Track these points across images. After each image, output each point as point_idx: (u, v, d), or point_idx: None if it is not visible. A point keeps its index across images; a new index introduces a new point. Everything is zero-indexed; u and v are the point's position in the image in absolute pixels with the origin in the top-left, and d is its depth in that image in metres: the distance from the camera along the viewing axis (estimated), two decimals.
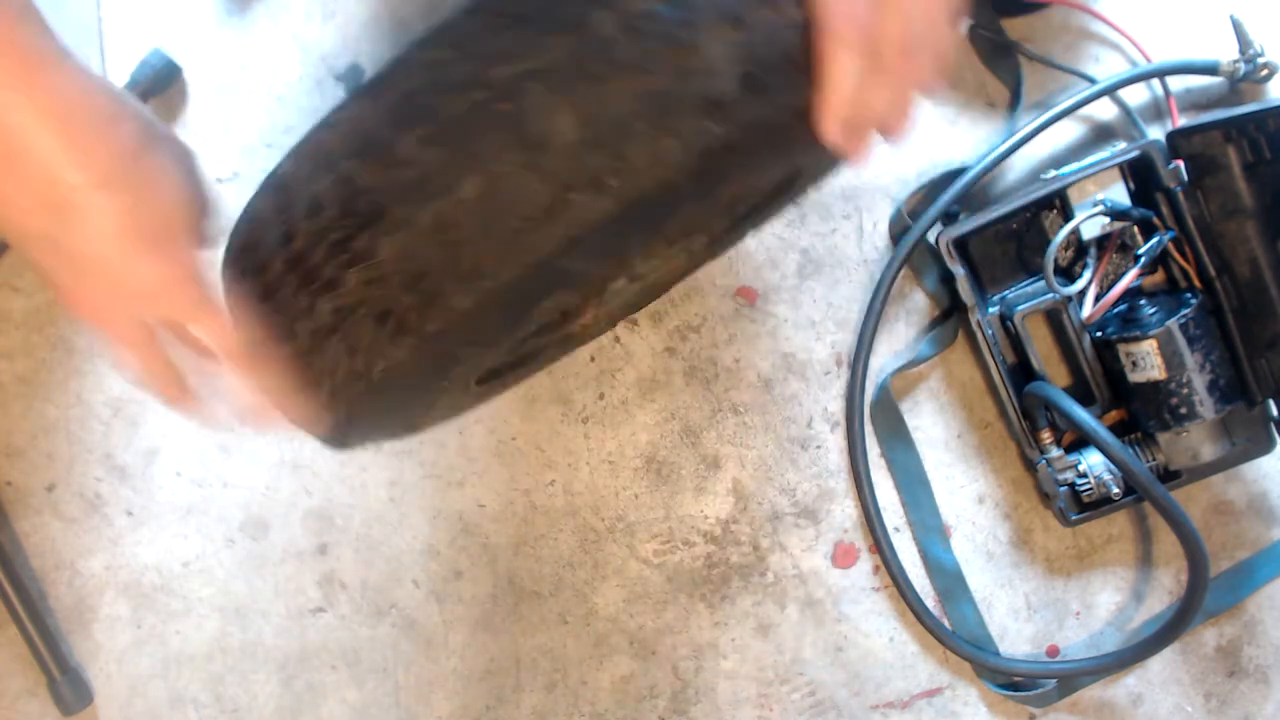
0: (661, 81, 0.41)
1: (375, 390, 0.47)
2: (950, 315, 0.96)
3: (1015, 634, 0.96)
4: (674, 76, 0.41)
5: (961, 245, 0.90)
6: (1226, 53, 0.96)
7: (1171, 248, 0.88)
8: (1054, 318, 0.94)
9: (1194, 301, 0.86)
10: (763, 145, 0.46)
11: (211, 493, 0.91)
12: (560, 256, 0.43)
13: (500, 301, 0.44)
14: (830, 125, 0.47)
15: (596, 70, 0.41)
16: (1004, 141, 0.92)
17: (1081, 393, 0.92)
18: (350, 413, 0.49)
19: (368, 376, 0.46)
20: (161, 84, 0.87)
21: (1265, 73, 0.95)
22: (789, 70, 0.44)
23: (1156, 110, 0.99)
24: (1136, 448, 0.91)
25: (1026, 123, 0.92)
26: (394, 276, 0.43)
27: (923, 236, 0.92)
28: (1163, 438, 0.89)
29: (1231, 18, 0.94)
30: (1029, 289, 0.92)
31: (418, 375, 0.49)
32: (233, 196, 0.89)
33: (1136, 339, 0.85)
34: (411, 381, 0.50)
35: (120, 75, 0.87)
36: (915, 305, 0.97)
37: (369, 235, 0.43)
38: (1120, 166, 0.90)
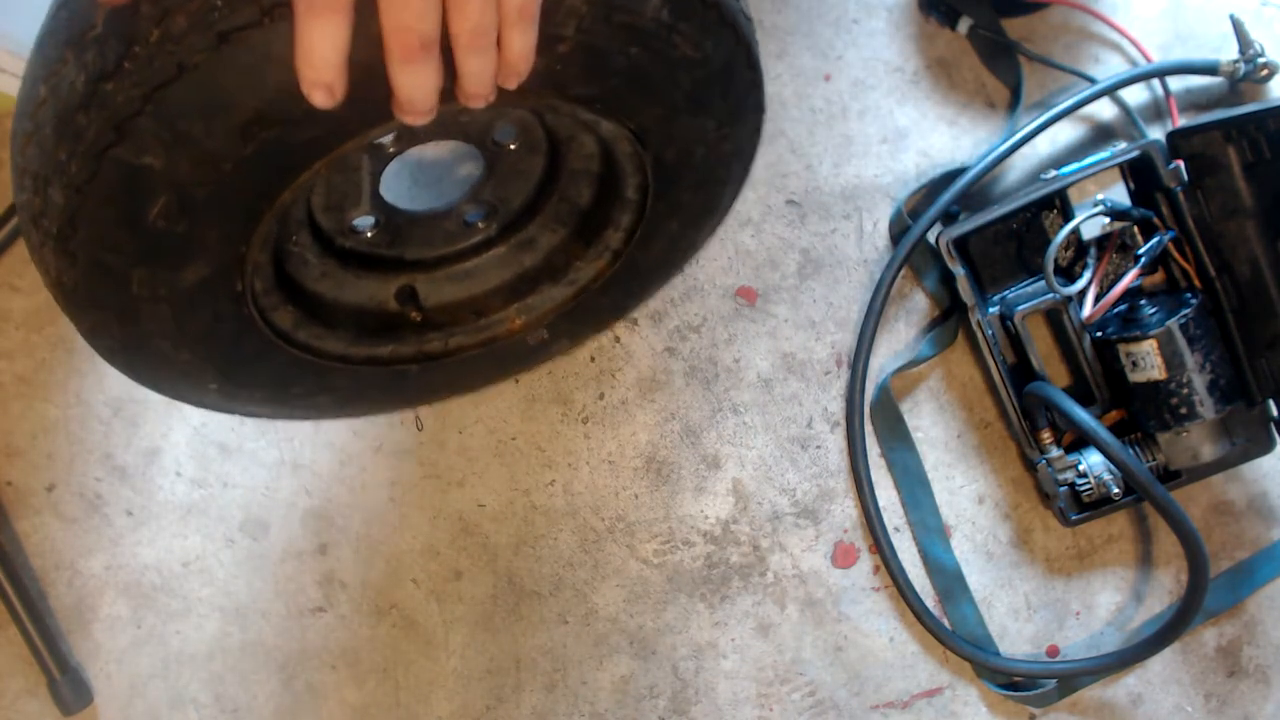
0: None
1: None
2: (950, 315, 0.96)
3: (1015, 634, 0.96)
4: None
5: (961, 245, 0.90)
6: (1226, 53, 0.96)
7: (1171, 248, 0.88)
8: (1054, 318, 0.94)
9: (1194, 301, 0.86)
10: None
11: (211, 493, 0.91)
12: None
13: None
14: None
15: None
16: (1004, 141, 0.92)
17: (1081, 393, 0.92)
18: None
19: None
20: None
21: (1265, 73, 0.95)
22: None
23: (1156, 110, 0.99)
24: (1136, 448, 0.91)
25: (1026, 123, 0.92)
26: None
27: (923, 236, 0.92)
28: (1163, 438, 0.89)
29: (1231, 17, 0.94)
30: (1029, 289, 0.92)
31: None
32: None
33: (1136, 339, 0.85)
34: None
35: None
36: (915, 305, 0.97)
37: None
38: (1120, 166, 0.90)
